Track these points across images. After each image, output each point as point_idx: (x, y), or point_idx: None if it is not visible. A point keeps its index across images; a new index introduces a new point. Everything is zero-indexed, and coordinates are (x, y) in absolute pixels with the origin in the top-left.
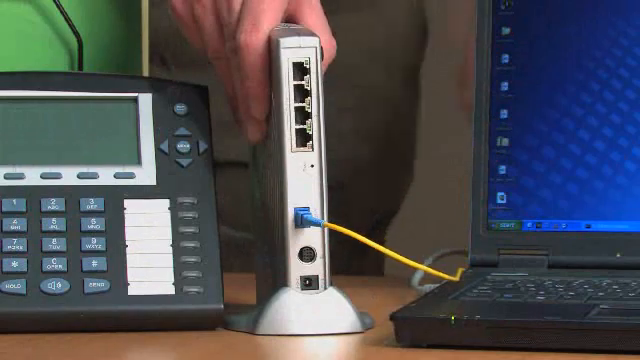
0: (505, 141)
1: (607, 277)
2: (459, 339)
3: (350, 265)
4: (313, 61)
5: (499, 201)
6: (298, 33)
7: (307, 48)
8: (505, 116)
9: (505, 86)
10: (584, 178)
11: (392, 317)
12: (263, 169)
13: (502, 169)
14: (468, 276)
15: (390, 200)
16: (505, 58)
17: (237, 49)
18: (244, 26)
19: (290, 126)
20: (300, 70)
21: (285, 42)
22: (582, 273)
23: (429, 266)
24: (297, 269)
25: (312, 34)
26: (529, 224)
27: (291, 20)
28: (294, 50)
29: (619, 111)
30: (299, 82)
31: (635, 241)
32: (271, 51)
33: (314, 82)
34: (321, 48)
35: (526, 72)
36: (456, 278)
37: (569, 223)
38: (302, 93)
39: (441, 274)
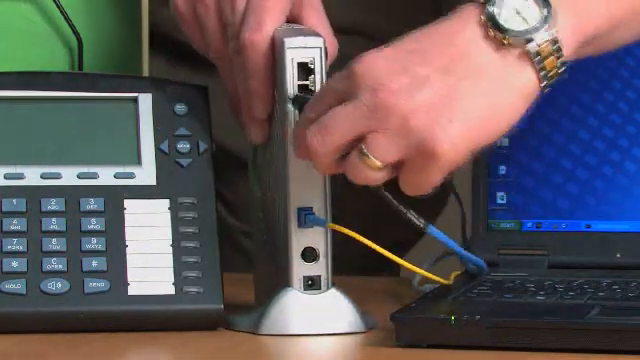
0: (505, 141)
1: (607, 277)
2: (459, 339)
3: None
4: (318, 61)
5: (499, 201)
6: (302, 33)
7: (312, 48)
8: None
9: None
10: (584, 178)
11: (392, 317)
12: (266, 169)
13: (502, 169)
14: (468, 276)
15: None
16: None
17: (241, 48)
18: (248, 25)
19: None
20: (304, 70)
21: (290, 42)
22: (582, 273)
23: (430, 265)
24: (300, 269)
25: (316, 34)
26: (529, 224)
27: (293, 21)
28: (299, 50)
29: (619, 111)
30: (303, 82)
31: (635, 241)
32: (275, 51)
33: (318, 82)
34: (325, 48)
35: None
36: (449, 282)
37: (569, 223)
38: (306, 93)
39: (434, 277)
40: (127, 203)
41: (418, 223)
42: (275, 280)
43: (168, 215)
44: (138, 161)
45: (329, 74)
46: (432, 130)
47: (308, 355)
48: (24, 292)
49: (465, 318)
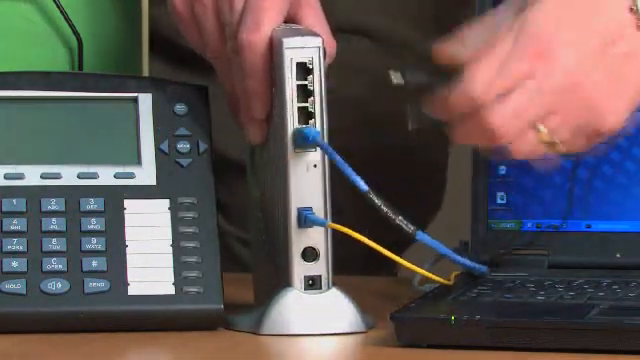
0: None
1: (607, 277)
2: (459, 339)
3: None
4: (316, 61)
5: (499, 201)
6: (301, 33)
7: (310, 48)
8: None
9: None
10: (584, 178)
11: (392, 317)
12: (264, 169)
13: (502, 169)
14: (468, 276)
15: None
16: None
17: (239, 48)
18: (246, 25)
19: (293, 126)
20: (303, 70)
21: (288, 42)
22: (582, 273)
23: (431, 265)
24: (300, 269)
25: (315, 34)
26: (529, 224)
27: (291, 21)
28: (297, 50)
29: None
30: (302, 82)
31: (635, 241)
32: (274, 51)
33: (317, 82)
34: (324, 48)
35: None
36: (450, 282)
37: (569, 223)
38: (305, 93)
39: (434, 276)
40: (127, 203)
41: (407, 229)
42: (275, 280)
43: (168, 215)
44: (138, 161)
45: (327, 74)
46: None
47: (308, 355)
48: (24, 292)
49: (465, 318)
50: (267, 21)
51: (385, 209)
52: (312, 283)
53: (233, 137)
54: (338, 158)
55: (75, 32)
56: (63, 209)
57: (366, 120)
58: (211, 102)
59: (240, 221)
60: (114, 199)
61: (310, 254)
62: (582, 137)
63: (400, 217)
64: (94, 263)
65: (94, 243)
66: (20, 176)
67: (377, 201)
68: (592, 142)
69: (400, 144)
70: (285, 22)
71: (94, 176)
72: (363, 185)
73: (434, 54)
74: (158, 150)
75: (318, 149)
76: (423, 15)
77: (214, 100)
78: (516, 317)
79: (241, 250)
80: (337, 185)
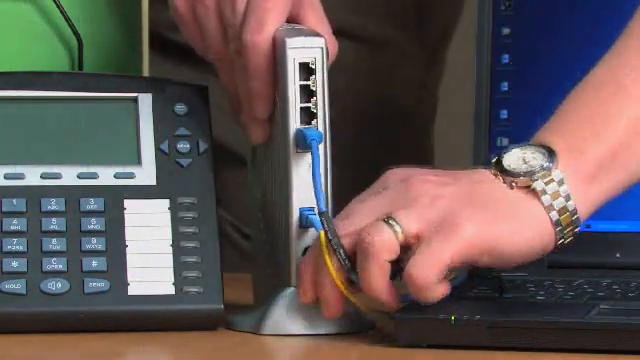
0: (505, 141)
1: (607, 277)
2: (459, 339)
3: None
4: (319, 61)
5: None
6: (304, 33)
7: (313, 48)
8: (505, 116)
9: (505, 86)
10: None
11: (392, 317)
12: (266, 169)
13: None
14: (467, 276)
15: None
16: (505, 58)
17: (242, 49)
18: (250, 25)
19: (295, 126)
20: (306, 70)
21: (291, 42)
22: (582, 273)
23: None
24: None
25: (317, 34)
26: None
27: (293, 21)
28: (300, 50)
29: None
30: (305, 82)
31: (635, 241)
32: (276, 51)
33: (320, 82)
34: (326, 48)
35: (526, 72)
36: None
37: None
38: (307, 93)
39: (358, 303)
40: (127, 203)
41: (343, 264)
42: (275, 280)
43: (168, 215)
44: (138, 161)
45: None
46: (454, 210)
47: (308, 355)
48: (24, 292)
49: (465, 318)
50: (270, 21)
51: (331, 237)
52: None
53: (238, 129)
54: (316, 167)
55: (75, 32)
56: (63, 209)
57: (347, 115)
58: (215, 96)
59: (232, 205)
60: (114, 199)
61: None
62: (436, 237)
63: (341, 251)
64: (94, 263)
65: (94, 243)
66: (20, 176)
67: (327, 226)
68: (447, 247)
69: (382, 142)
70: (287, 22)
71: (94, 176)
72: (323, 205)
73: None
74: (158, 150)
75: (320, 149)
76: (406, 15)
77: (218, 93)
78: (516, 317)
79: (242, 242)
80: (336, 185)
